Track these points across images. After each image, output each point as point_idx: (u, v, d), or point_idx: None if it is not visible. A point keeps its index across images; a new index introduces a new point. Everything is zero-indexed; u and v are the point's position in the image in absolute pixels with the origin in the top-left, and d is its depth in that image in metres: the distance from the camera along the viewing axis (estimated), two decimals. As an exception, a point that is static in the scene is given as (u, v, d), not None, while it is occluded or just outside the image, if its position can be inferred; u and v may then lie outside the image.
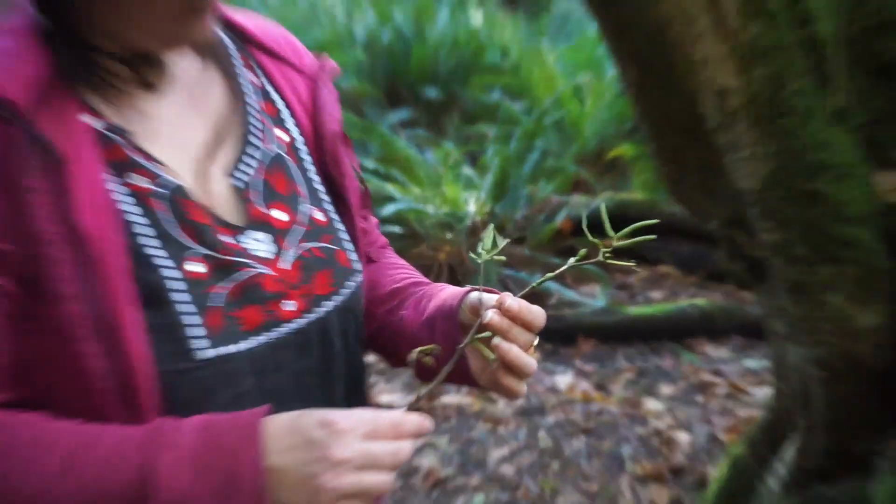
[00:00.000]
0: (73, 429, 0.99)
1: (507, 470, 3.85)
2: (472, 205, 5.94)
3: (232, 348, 1.10)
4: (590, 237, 1.11)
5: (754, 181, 2.09)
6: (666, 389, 4.50)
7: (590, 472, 3.79)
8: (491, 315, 1.09)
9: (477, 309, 1.16)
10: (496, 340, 1.10)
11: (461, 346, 1.10)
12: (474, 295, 1.17)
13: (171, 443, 0.97)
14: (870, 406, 2.27)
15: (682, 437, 3.97)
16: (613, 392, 4.53)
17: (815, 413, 2.37)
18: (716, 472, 3.19)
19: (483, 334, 1.10)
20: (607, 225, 1.11)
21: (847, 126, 2.05)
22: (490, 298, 1.14)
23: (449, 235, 5.89)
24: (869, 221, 2.05)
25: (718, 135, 2.13)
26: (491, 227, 1.13)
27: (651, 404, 4.35)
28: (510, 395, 1.14)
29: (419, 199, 5.89)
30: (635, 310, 5.28)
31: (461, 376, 1.21)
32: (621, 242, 1.09)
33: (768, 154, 2.04)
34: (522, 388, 1.15)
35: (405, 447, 1.01)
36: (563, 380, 4.70)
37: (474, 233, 5.93)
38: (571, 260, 1.10)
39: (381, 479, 0.98)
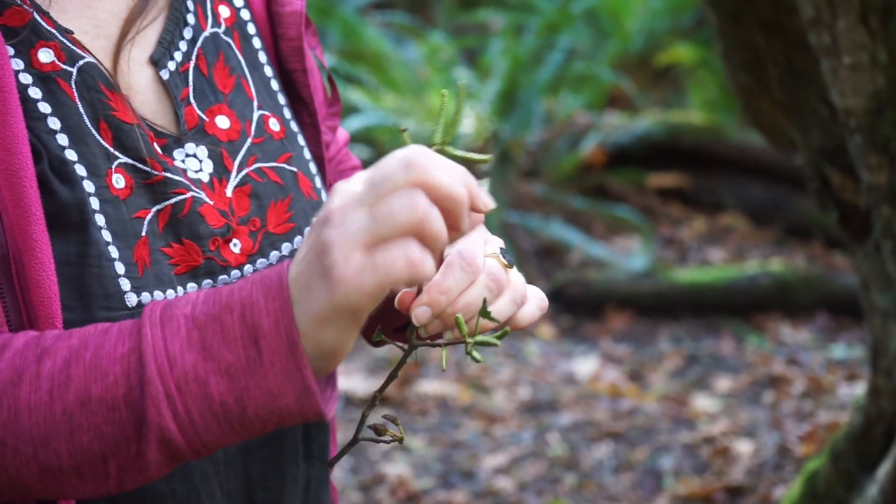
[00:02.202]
0: (59, 342, 1.03)
1: (505, 484, 3.91)
2: (469, 122, 5.94)
3: (162, 294, 1.12)
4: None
5: (859, 99, 2.12)
6: (723, 383, 4.57)
7: (616, 489, 3.85)
8: (424, 332, 1.08)
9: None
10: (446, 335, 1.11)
11: (400, 363, 1.12)
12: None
13: (164, 315, 1.01)
14: None
15: (743, 448, 4.04)
16: (652, 385, 4.59)
17: (925, 418, 2.42)
18: (786, 493, 3.26)
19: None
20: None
21: None
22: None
23: (434, 163, 5.88)
24: None
25: (814, 32, 2.14)
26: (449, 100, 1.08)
27: (702, 403, 4.41)
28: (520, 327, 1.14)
29: (394, 112, 5.89)
30: (687, 275, 5.33)
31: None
32: None
33: (882, 62, 2.05)
34: (528, 315, 1.12)
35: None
36: (585, 366, 4.75)
37: (470, 163, 5.94)
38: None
39: (405, 252, 0.96)
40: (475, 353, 1.07)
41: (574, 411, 4.37)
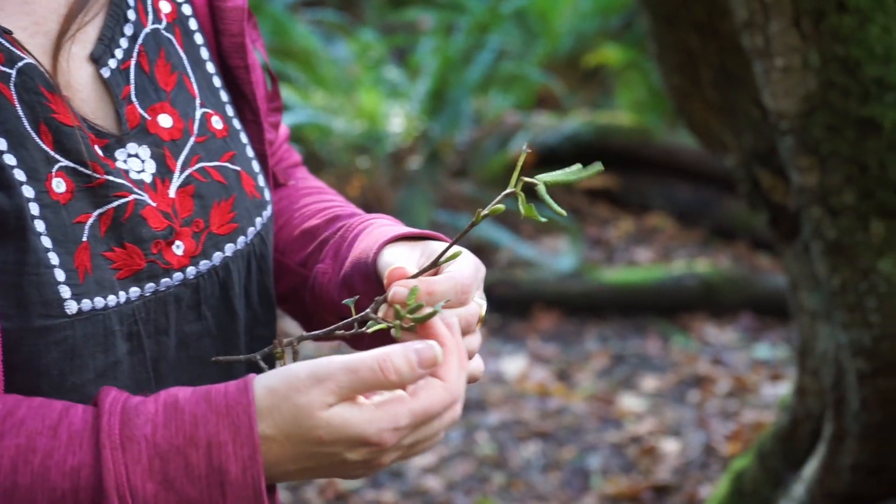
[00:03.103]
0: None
1: (433, 483, 3.90)
2: (398, 121, 5.93)
3: (102, 301, 1.12)
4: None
5: (791, 101, 2.14)
6: (650, 383, 4.60)
7: (545, 488, 3.86)
8: (381, 313, 1.12)
9: (383, 278, 1.16)
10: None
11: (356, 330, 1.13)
12: (389, 259, 1.16)
13: (124, 436, 1.00)
14: (923, 410, 2.36)
15: (669, 447, 4.07)
16: (579, 384, 4.61)
17: (849, 418, 2.45)
18: (712, 492, 3.28)
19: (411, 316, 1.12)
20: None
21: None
22: (402, 260, 1.14)
23: (364, 163, 5.88)
24: (939, 163, 2.12)
25: (747, 34, 2.16)
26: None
27: (629, 402, 4.44)
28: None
29: (323, 110, 5.86)
30: (614, 275, 5.36)
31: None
32: (557, 178, 1.09)
33: (813, 64, 2.08)
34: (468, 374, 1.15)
35: (457, 409, 1.09)
36: (513, 366, 4.76)
37: (398, 160, 5.94)
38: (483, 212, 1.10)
39: (433, 442, 1.10)
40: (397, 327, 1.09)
41: (502, 410, 4.38)
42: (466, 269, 1.14)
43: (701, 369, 4.68)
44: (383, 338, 1.11)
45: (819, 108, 2.11)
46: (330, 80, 6.09)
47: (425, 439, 1.07)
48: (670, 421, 4.25)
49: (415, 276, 1.12)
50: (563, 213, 1.10)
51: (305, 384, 1.01)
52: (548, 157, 6.05)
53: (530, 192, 1.10)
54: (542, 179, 1.10)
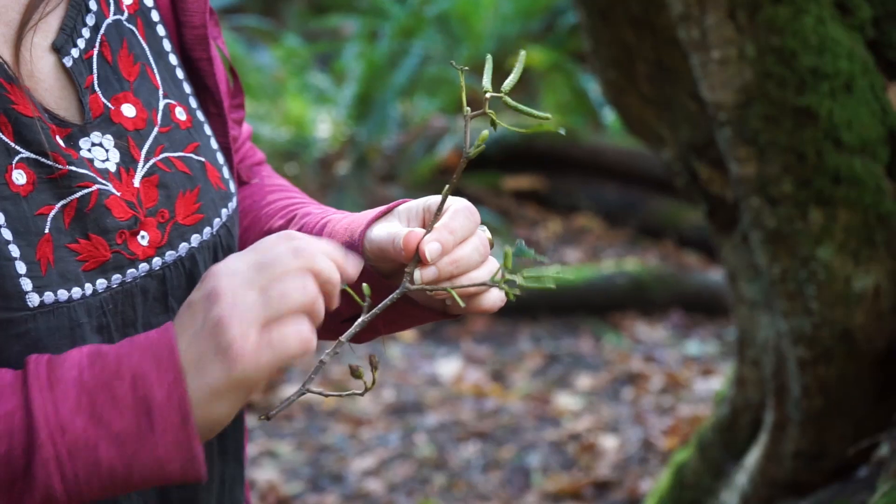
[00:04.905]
0: None
1: (374, 486, 3.89)
2: (325, 127, 5.92)
3: (67, 293, 1.12)
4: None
5: (728, 93, 2.16)
6: (584, 381, 4.62)
7: (486, 488, 3.86)
8: (419, 278, 1.14)
9: (386, 252, 1.18)
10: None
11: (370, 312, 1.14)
12: (382, 234, 1.18)
13: (52, 378, 1.01)
14: (863, 395, 2.39)
15: (608, 443, 4.09)
16: (515, 384, 4.62)
17: (790, 405, 2.48)
18: (653, 486, 3.31)
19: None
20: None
21: (852, 22, 2.13)
22: (401, 233, 1.16)
23: (292, 169, 5.85)
24: (874, 150, 2.15)
25: (683, 27, 2.18)
26: None
27: (565, 400, 4.46)
28: (489, 310, 1.19)
29: (249, 117, 5.82)
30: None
31: (415, 317, 1.25)
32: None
33: (750, 56, 2.10)
34: (496, 298, 1.19)
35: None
36: (448, 368, 4.76)
37: (327, 166, 5.92)
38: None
39: (298, 330, 1.04)
40: (509, 290, 1.13)
41: (440, 412, 4.37)
42: (459, 201, 1.18)
43: (634, 367, 4.72)
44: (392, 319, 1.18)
45: (756, 99, 2.14)
46: (255, 87, 6.06)
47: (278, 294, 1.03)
48: (607, 418, 4.28)
49: (429, 231, 1.14)
50: (548, 116, 1.14)
51: None
52: (476, 160, 6.07)
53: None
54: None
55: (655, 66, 2.49)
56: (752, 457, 2.69)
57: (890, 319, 2.27)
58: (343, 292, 1.11)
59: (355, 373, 1.15)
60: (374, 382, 1.15)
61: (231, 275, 1.02)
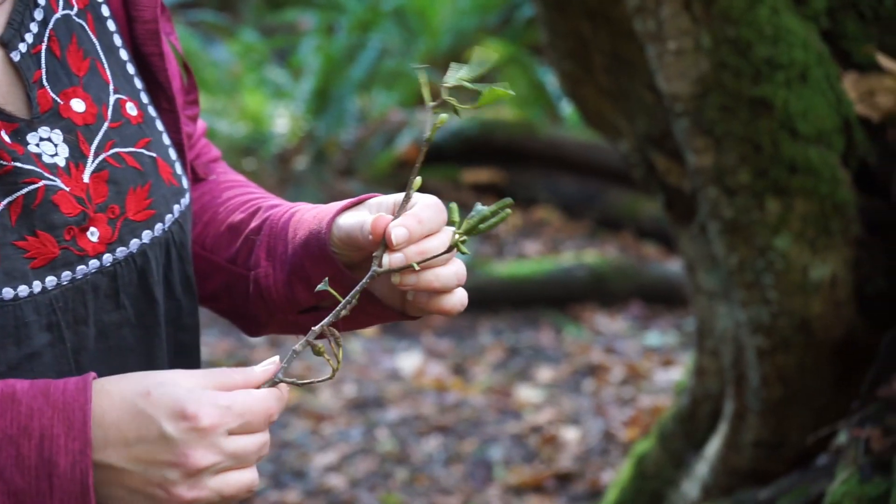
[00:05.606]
0: None
1: (336, 481, 3.88)
2: (283, 122, 5.89)
3: (12, 291, 1.11)
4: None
5: (684, 83, 2.16)
6: (545, 374, 4.63)
7: (448, 481, 3.86)
8: (388, 262, 1.14)
9: (353, 238, 1.18)
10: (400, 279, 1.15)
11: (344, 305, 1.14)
12: (350, 220, 1.18)
13: None
14: (821, 384, 2.40)
15: (569, 435, 4.10)
16: (476, 378, 4.62)
17: (750, 395, 2.49)
18: (614, 477, 3.31)
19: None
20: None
21: (806, 13, 2.14)
22: (367, 221, 1.16)
23: (250, 164, 5.82)
24: (830, 140, 2.16)
25: (639, 19, 2.18)
26: None
27: (526, 393, 4.47)
28: (450, 312, 1.21)
29: (206, 112, 5.78)
30: (504, 268, 5.39)
31: (374, 315, 1.26)
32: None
33: (706, 47, 2.10)
34: (459, 300, 1.22)
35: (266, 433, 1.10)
36: (409, 362, 4.75)
37: (285, 161, 5.89)
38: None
39: (247, 478, 1.07)
40: (461, 246, 1.15)
41: (401, 406, 4.37)
42: (427, 196, 1.18)
43: (594, 358, 4.73)
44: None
45: (712, 90, 2.14)
46: (211, 82, 6.03)
47: (240, 457, 1.06)
48: (568, 410, 4.29)
49: (396, 217, 1.14)
50: (509, 91, 1.14)
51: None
52: (434, 154, 6.07)
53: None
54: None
55: (612, 58, 2.49)
56: (713, 446, 2.70)
57: (847, 308, 2.28)
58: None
59: (316, 349, 1.14)
60: (339, 363, 1.14)
61: (206, 403, 1.05)
